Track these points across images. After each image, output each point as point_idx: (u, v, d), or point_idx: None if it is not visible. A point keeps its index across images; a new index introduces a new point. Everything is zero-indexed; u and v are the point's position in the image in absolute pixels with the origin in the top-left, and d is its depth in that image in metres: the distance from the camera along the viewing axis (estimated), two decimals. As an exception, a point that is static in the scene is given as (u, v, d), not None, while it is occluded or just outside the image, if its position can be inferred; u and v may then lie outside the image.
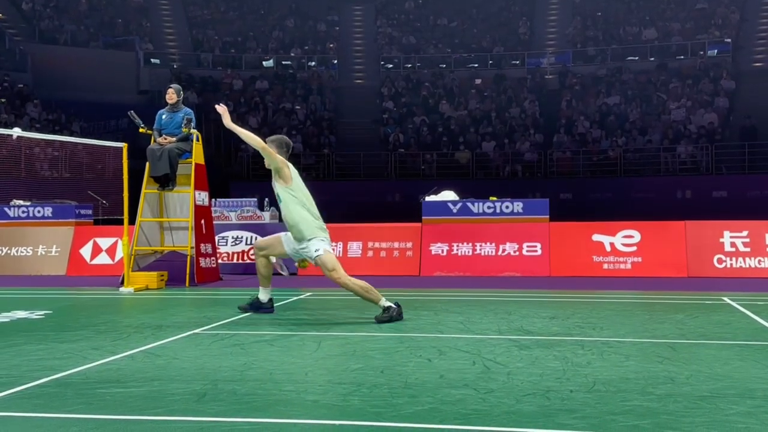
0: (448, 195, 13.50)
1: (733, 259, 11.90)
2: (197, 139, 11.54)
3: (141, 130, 11.30)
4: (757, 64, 30.31)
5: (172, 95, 11.35)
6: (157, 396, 4.51)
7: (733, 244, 11.94)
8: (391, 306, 7.45)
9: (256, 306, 8.00)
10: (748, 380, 4.81)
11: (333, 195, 25.70)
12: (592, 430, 3.80)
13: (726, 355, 5.62)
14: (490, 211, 13.07)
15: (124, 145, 11.00)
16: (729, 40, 30.72)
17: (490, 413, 4.12)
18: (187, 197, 11.43)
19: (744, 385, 4.67)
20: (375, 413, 4.12)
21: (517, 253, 12.67)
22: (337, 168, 27.56)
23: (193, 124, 11.29)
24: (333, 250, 7.81)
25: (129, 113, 11.40)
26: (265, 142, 7.65)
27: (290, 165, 7.70)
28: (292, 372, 5.16)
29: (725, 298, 9.12)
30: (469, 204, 13.19)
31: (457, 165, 26.80)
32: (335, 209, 24.45)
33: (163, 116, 11.44)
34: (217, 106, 8.15)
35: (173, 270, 11.21)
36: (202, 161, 11.71)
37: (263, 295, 7.99)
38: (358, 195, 25.65)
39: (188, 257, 11.17)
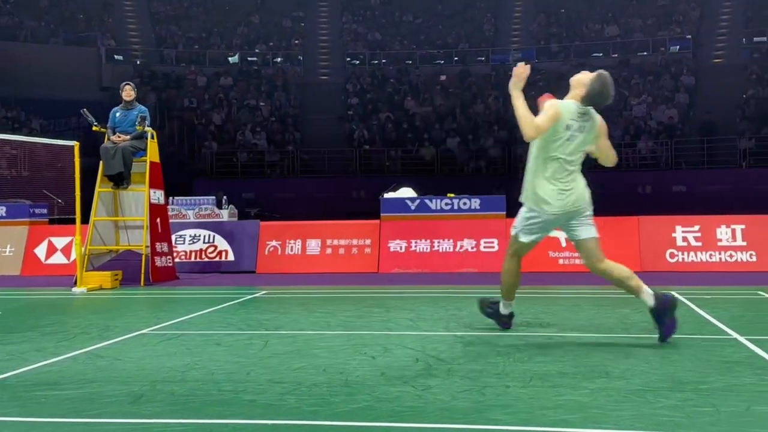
0: (406, 192, 13.57)
1: (685, 253, 12.10)
2: (152, 137, 11.46)
3: (94, 128, 11.22)
4: (717, 60, 30.77)
5: (130, 92, 11.34)
6: (93, 398, 4.48)
7: (684, 239, 12.14)
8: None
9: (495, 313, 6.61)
10: (681, 373, 4.90)
11: (298, 192, 25.71)
12: (521, 425, 3.85)
13: (664, 349, 5.72)
14: (448, 207, 13.16)
15: (75, 144, 10.89)
16: (689, 36, 31.15)
17: (424, 410, 4.16)
18: (142, 196, 11.35)
19: (676, 379, 4.75)
20: (310, 412, 4.14)
21: (475, 249, 12.77)
22: (301, 164, 27.51)
23: (147, 122, 11.23)
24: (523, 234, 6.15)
25: (81, 111, 11.31)
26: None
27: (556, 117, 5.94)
28: (234, 372, 5.15)
29: (674, 292, 9.19)
30: (427, 201, 13.27)
31: (422, 161, 26.88)
32: (300, 206, 24.52)
33: (117, 114, 11.38)
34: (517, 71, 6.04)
35: (128, 269, 11.14)
36: (157, 159, 11.63)
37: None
38: (323, 191, 25.65)
39: (143, 256, 11.10)
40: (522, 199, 6.21)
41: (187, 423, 3.97)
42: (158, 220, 11.47)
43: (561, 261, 12.41)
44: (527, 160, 6.24)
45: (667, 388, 4.52)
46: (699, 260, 12.05)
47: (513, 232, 6.25)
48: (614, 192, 23.57)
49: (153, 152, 11.49)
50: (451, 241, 12.88)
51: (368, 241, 13.09)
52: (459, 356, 5.57)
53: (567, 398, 4.33)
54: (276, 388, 4.67)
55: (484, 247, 12.74)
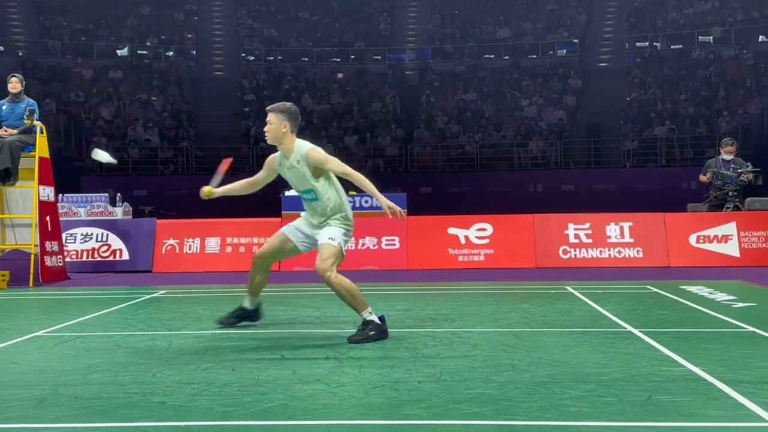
0: (307, 190, 13.49)
1: (577, 250, 12.59)
2: (41, 132, 10.97)
3: (-22, 122, 10.64)
4: (602, 64, 32.11)
5: (16, 84, 10.83)
6: (-9, 404, 4.26)
7: (576, 236, 12.62)
8: (373, 321, 6.18)
9: (240, 316, 6.90)
10: (583, 365, 5.09)
11: (193, 189, 25.03)
12: (435, 419, 3.91)
13: (565, 342, 5.93)
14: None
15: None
16: (576, 40, 32.38)
17: (340, 407, 4.17)
18: (30, 192, 10.85)
19: (579, 371, 4.94)
20: (223, 412, 4.07)
21: (376, 246, 12.86)
22: (196, 162, 26.90)
23: (36, 116, 10.75)
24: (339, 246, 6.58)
25: None
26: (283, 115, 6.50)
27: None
28: (140, 373, 5.01)
29: (568, 287, 9.61)
30: (328, 198, 13.23)
31: (320, 159, 26.78)
32: (195, 204, 23.93)
33: (3, 107, 10.85)
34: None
35: (16, 269, 10.60)
36: (46, 155, 11.14)
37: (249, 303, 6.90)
38: (219, 189, 25.14)
39: (32, 256, 10.61)
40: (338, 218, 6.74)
41: (94, 427, 3.84)
42: (48, 217, 10.98)
43: (460, 258, 12.65)
44: (325, 192, 6.76)
45: (571, 380, 4.69)
46: (590, 256, 12.56)
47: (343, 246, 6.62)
48: (507, 191, 24.30)
49: (42, 147, 11.00)
50: (353, 239, 12.88)
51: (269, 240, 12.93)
52: (368, 353, 5.60)
53: (478, 392, 4.42)
54: (185, 389, 4.57)
55: (386, 244, 12.85)
